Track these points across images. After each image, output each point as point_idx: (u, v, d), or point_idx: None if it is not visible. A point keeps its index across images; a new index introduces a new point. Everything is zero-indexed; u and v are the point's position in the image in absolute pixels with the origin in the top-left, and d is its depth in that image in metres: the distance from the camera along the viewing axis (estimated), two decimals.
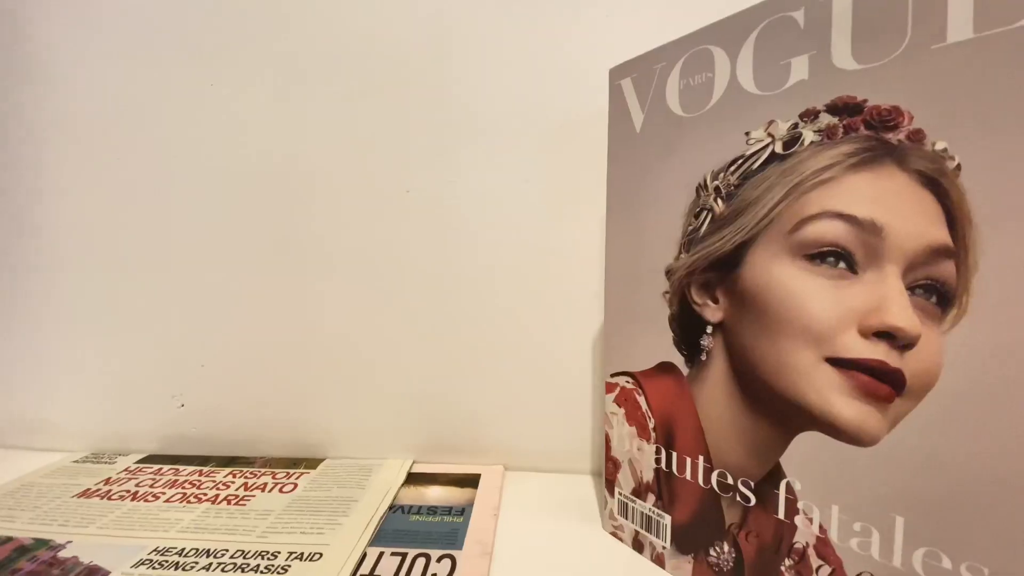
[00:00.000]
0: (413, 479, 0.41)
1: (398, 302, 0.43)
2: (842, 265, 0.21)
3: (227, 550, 0.31)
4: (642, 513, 0.31)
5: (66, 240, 0.46)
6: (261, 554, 0.30)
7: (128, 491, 0.39)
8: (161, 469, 0.43)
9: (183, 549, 0.31)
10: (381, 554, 0.31)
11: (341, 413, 0.45)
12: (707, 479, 0.27)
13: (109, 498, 0.37)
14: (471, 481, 0.41)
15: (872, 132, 0.20)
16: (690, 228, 0.27)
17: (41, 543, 0.31)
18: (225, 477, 0.41)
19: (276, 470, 0.42)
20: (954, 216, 0.18)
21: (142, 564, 0.29)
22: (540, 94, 0.41)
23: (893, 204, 0.19)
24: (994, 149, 0.17)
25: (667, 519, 0.29)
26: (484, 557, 0.30)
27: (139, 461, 0.45)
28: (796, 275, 0.22)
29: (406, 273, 0.43)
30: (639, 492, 0.31)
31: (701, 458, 0.27)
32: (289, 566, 0.29)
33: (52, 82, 0.45)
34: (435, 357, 0.43)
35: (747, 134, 0.24)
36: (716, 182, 0.25)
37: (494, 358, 0.43)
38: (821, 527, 0.22)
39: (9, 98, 0.45)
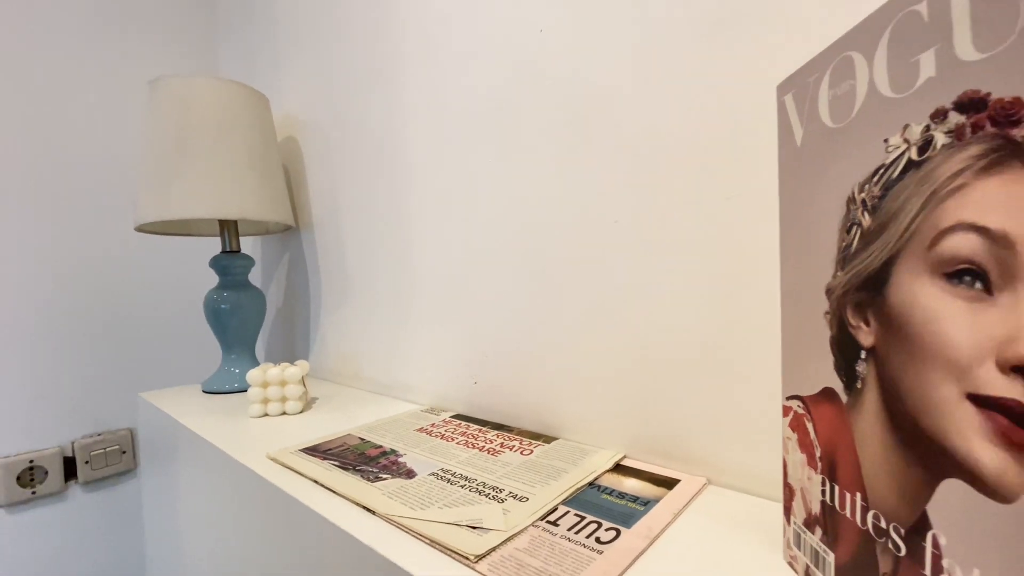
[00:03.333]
0: (619, 469, 0.47)
1: (626, 319, 0.50)
2: (979, 285, 0.18)
3: (476, 479, 0.44)
4: (811, 546, 0.29)
5: (423, 274, 0.72)
6: (493, 487, 0.43)
7: (440, 433, 0.58)
8: (460, 424, 0.62)
9: (455, 472, 0.46)
10: (567, 512, 0.39)
11: (574, 404, 0.55)
12: (863, 519, 0.24)
13: (430, 435, 0.58)
14: (669, 483, 0.44)
15: (997, 129, 0.17)
16: (844, 244, 0.25)
17: (393, 451, 0.52)
18: (492, 436, 0.57)
19: (524, 439, 0.56)
20: None
21: (433, 475, 0.46)
22: (735, 113, 0.41)
23: None
24: None
25: (831, 557, 0.27)
26: (645, 539, 0.34)
27: (451, 416, 0.66)
28: (936, 296, 0.20)
29: (628, 295, 0.50)
30: (809, 524, 0.29)
31: (859, 495, 0.25)
32: (506, 499, 0.40)
33: (415, 169, 0.71)
34: (657, 367, 0.48)
35: (885, 141, 0.22)
36: (863, 194, 0.24)
37: (713, 372, 0.45)
38: None
39: (391, 185, 0.74)
